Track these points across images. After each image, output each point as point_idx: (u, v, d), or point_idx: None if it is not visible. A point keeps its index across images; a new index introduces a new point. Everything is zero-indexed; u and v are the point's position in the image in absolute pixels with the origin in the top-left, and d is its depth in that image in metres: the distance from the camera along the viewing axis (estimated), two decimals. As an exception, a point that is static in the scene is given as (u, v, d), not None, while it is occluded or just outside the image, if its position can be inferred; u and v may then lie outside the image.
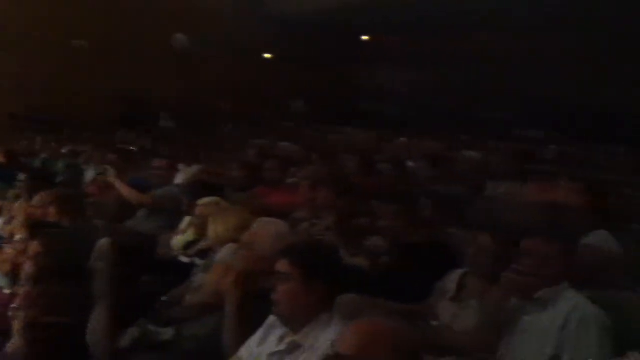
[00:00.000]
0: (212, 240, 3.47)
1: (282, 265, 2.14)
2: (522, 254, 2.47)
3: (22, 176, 4.97)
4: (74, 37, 13.31)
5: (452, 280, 3.00)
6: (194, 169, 6.49)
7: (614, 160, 5.95)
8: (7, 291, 3.43)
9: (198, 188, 4.58)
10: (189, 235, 4.12)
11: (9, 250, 3.54)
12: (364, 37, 14.67)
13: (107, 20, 13.35)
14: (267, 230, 2.60)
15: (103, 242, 3.06)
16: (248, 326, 2.41)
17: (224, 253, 3.25)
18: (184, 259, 3.87)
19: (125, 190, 5.19)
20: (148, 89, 13.23)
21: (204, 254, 3.62)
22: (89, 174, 6.72)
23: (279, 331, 2.26)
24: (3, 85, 12.42)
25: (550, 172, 4.93)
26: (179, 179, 6.10)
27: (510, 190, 5.10)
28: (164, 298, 3.29)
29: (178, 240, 4.22)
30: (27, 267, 2.89)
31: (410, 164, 5.96)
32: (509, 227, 2.88)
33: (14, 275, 3.35)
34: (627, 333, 2.28)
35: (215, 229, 3.43)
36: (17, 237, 3.52)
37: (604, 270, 3.21)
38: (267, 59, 14.53)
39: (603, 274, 3.21)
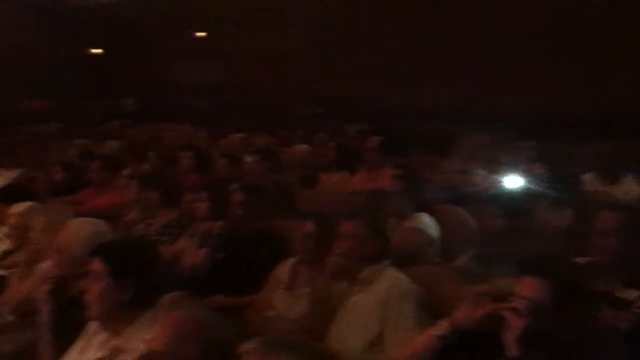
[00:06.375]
0: (35, 249, 3.10)
1: (93, 264, 2.04)
2: (342, 237, 2.55)
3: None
4: None
5: (285, 269, 3.03)
6: (15, 172, 5.86)
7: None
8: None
9: (10, 194, 4.11)
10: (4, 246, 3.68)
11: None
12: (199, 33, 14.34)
13: None
14: (82, 230, 2.41)
15: None
16: (66, 336, 2.24)
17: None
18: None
19: None
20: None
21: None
22: None
23: (101, 337, 2.12)
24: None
25: (375, 162, 5.14)
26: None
27: (339, 179, 5.30)
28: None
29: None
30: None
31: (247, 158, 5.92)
32: (332, 213, 2.96)
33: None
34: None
35: (37, 235, 3.08)
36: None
37: (423, 249, 3.47)
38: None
39: (422, 252, 3.47)
